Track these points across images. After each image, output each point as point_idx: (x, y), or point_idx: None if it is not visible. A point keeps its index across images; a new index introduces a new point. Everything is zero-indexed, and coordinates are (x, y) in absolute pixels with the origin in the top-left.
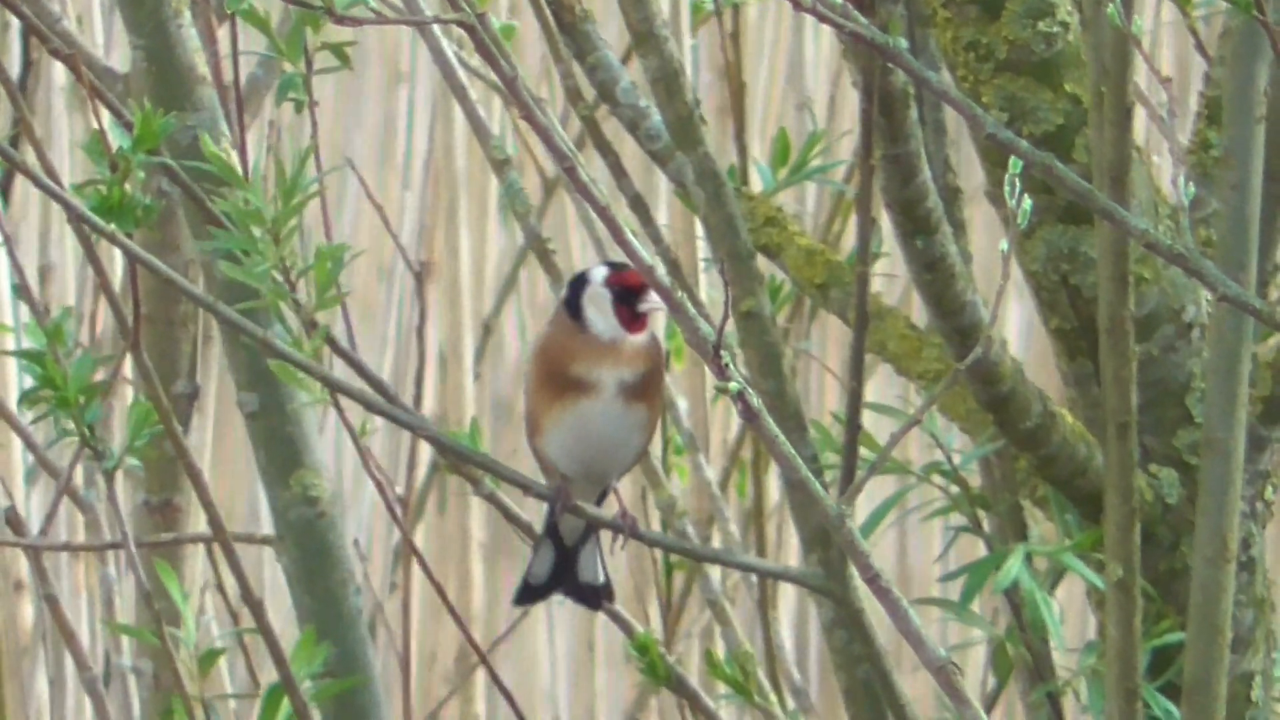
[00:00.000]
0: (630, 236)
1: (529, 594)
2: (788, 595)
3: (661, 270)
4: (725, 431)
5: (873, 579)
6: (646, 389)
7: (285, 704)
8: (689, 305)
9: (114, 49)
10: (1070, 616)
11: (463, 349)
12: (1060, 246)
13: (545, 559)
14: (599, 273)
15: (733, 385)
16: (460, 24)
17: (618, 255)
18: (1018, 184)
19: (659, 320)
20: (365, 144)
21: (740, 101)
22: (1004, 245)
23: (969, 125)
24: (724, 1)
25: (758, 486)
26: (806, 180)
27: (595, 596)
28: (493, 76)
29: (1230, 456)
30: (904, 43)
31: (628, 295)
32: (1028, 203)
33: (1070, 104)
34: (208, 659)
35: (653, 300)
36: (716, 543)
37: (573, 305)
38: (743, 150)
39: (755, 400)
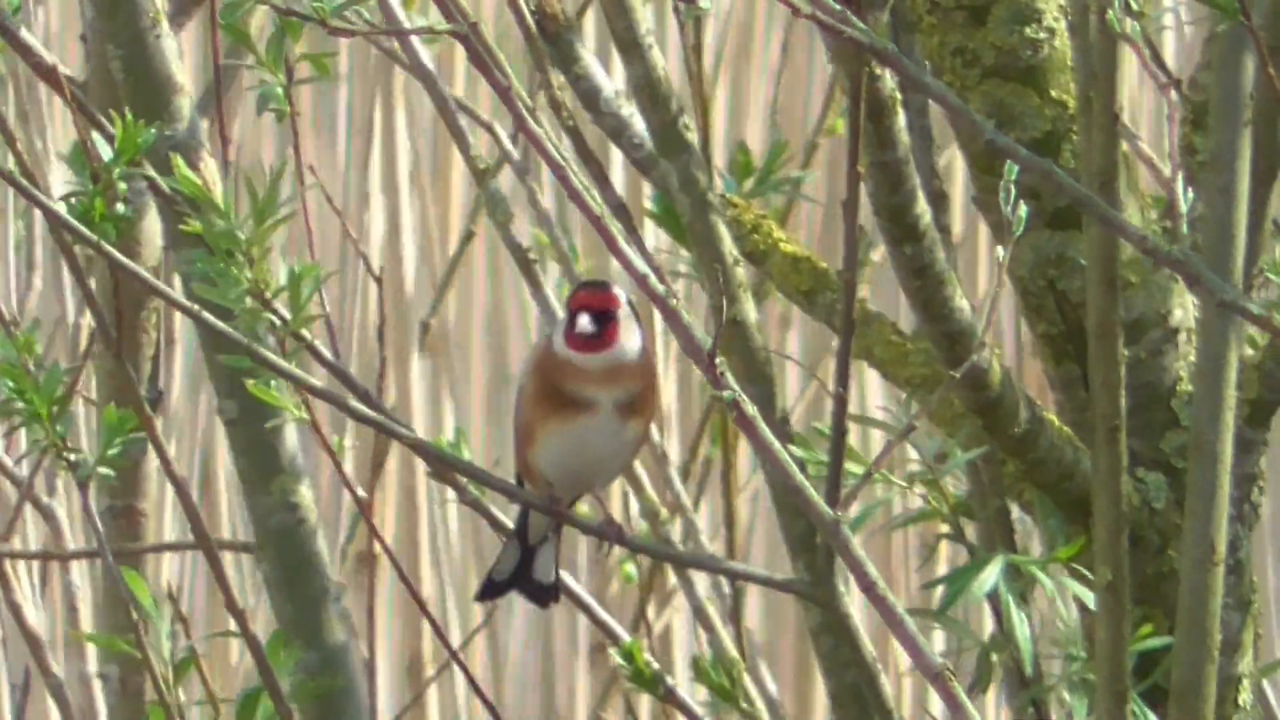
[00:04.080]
0: (624, 245)
1: (492, 590)
2: (756, 601)
3: (654, 279)
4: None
5: (869, 586)
6: (642, 405)
7: (261, 709)
8: (684, 313)
9: (57, 51)
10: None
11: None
12: (1047, 252)
13: (511, 557)
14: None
15: (727, 393)
16: (453, 34)
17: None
18: (1013, 190)
19: (630, 339)
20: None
21: (705, 113)
22: (1000, 252)
23: (955, 132)
24: (686, 15)
25: (729, 495)
26: (772, 192)
27: (546, 595)
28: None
29: (1218, 459)
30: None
31: (571, 317)
32: (1023, 209)
33: (1057, 109)
34: (183, 666)
35: (583, 324)
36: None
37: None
38: (708, 161)
39: (750, 408)
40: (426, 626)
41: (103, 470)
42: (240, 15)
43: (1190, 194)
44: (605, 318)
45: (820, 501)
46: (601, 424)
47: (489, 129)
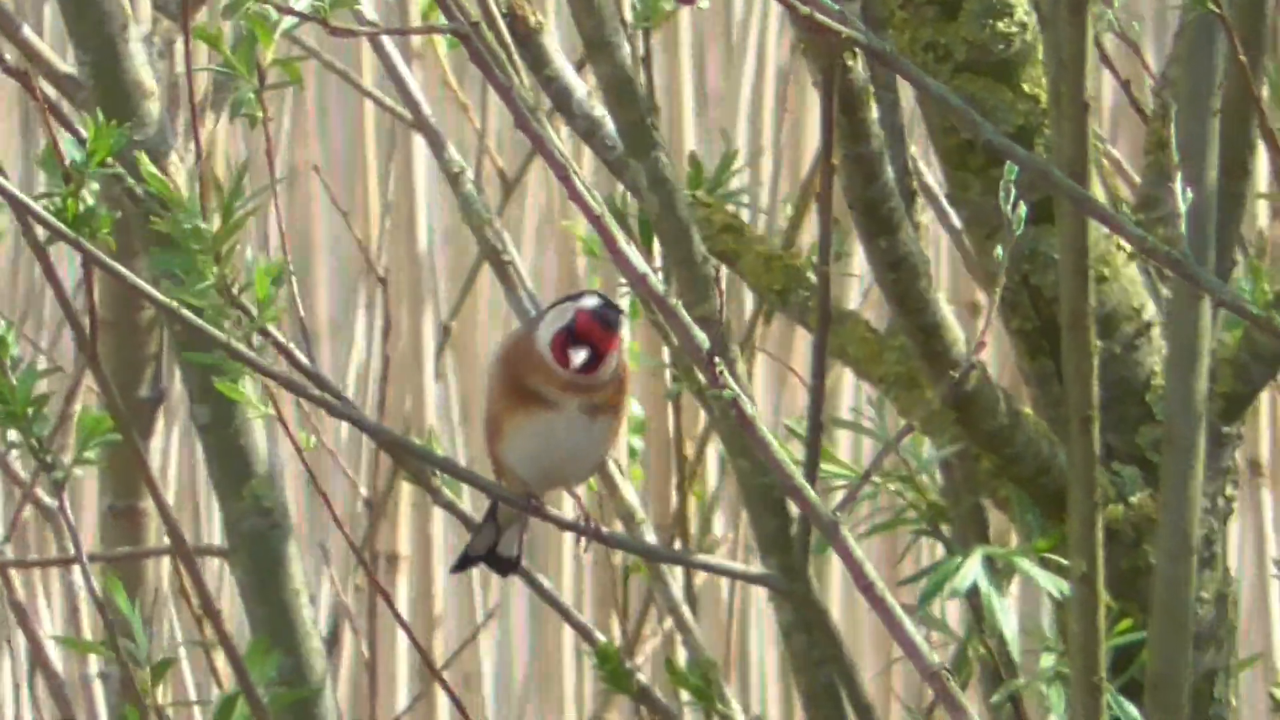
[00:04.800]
0: (624, 245)
1: (464, 563)
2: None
3: (655, 279)
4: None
5: (868, 587)
6: (610, 403)
7: (237, 712)
8: (683, 313)
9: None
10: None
11: (424, 356)
12: (1021, 247)
13: (487, 536)
14: (586, 301)
15: (727, 392)
16: (454, 33)
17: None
18: (1013, 190)
19: (610, 366)
20: (328, 150)
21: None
22: (999, 251)
23: (928, 127)
24: (634, 25)
25: (683, 499)
26: (723, 200)
27: (507, 566)
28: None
29: (1190, 451)
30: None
31: (571, 334)
32: (1023, 208)
33: (1029, 104)
34: (160, 669)
35: (579, 356)
36: None
37: (543, 315)
38: None
39: (750, 407)
40: (437, 626)
41: (78, 472)
42: (238, 14)
43: (1189, 193)
44: (601, 356)
45: (820, 502)
46: (568, 420)
47: (434, 145)
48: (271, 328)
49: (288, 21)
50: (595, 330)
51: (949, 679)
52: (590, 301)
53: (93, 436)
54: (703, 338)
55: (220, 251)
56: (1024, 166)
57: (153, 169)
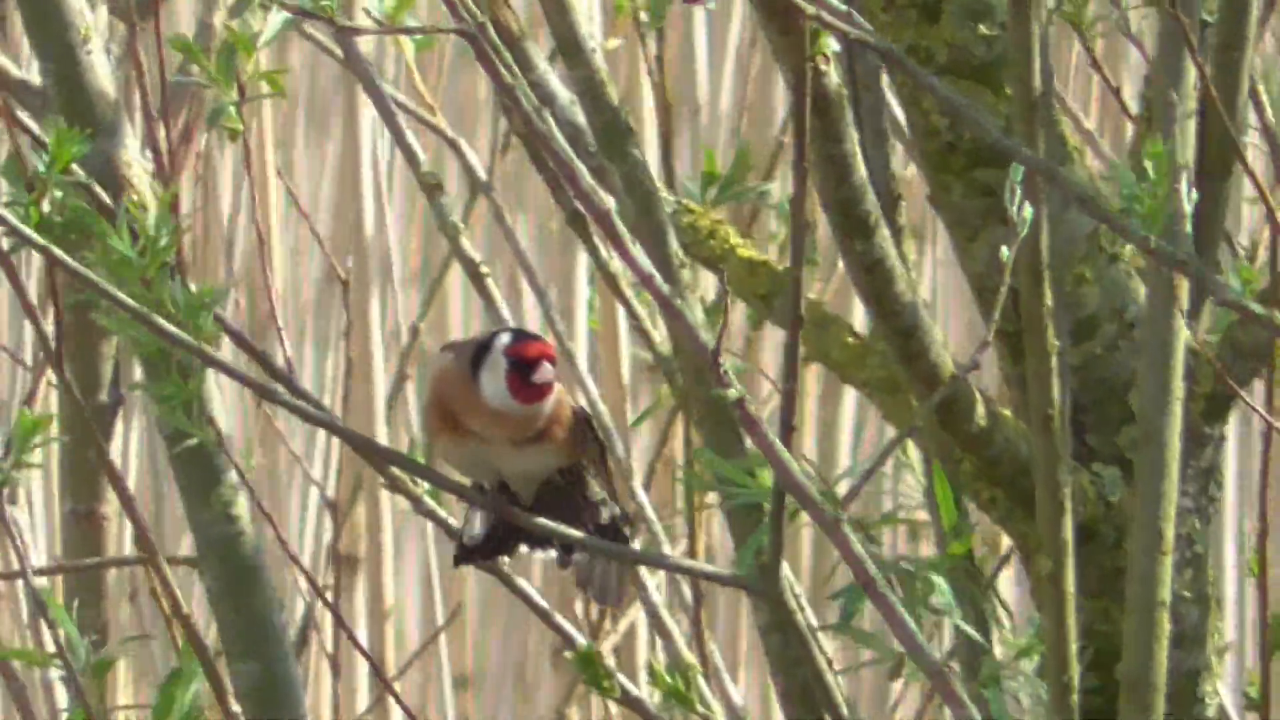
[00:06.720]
0: (631, 245)
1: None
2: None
3: (659, 279)
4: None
5: (869, 584)
6: (542, 435)
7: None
8: (688, 313)
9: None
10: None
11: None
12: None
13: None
14: (502, 339)
15: (732, 392)
16: (461, 33)
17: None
18: (1018, 191)
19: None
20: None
21: (668, 122)
22: (1004, 252)
23: (910, 128)
24: (649, 25)
25: (690, 499)
26: (736, 200)
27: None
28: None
29: (1165, 447)
30: (835, 46)
31: (523, 366)
32: (1028, 209)
33: (1012, 105)
34: (100, 668)
35: (545, 371)
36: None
37: (475, 363)
38: (670, 171)
39: (754, 408)
40: (389, 630)
41: (15, 476)
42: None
43: (1194, 194)
44: (552, 361)
45: (820, 500)
46: (496, 451)
47: (453, 145)
48: (247, 334)
49: (269, 31)
50: (530, 349)
51: (950, 677)
52: (504, 338)
53: (30, 438)
54: (707, 338)
55: (148, 279)
56: (1028, 167)
57: (77, 201)
